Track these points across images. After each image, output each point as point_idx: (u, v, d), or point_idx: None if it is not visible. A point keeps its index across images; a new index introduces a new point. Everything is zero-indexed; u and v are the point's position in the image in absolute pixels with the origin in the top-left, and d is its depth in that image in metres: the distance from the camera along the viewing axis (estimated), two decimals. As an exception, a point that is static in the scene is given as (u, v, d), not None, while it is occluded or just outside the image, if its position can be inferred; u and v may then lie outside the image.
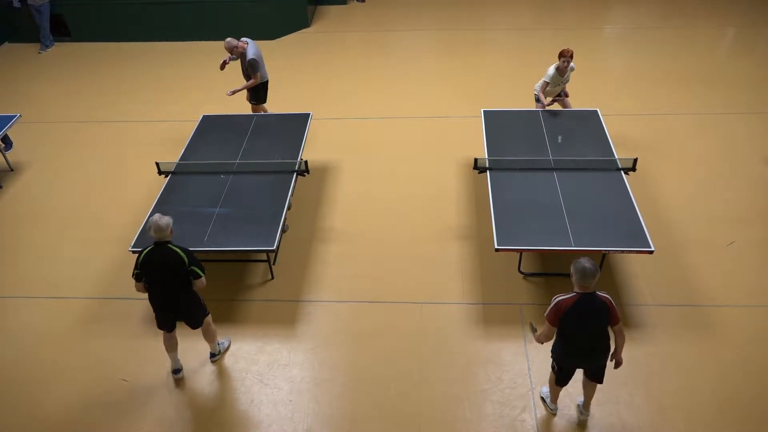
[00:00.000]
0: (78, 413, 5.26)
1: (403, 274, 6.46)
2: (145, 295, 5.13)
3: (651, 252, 5.62)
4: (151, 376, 5.54)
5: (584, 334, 4.40)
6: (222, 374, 5.53)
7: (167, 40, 12.16)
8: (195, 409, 5.25)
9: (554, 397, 5.03)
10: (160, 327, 5.27)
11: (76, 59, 11.66)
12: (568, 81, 7.73)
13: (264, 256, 6.58)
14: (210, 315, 5.38)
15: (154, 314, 5.21)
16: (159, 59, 11.50)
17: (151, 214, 6.31)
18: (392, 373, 5.46)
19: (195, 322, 5.29)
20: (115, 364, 5.66)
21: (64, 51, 12.02)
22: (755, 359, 5.44)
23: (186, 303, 5.13)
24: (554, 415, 5.06)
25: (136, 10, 11.92)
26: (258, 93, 8.24)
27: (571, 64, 7.61)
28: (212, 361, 5.65)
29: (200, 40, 12.09)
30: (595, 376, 4.71)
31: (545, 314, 4.44)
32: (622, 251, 5.66)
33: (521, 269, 6.39)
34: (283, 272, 6.57)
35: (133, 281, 5.02)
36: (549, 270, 6.41)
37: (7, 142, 8.80)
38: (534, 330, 4.72)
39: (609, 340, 4.47)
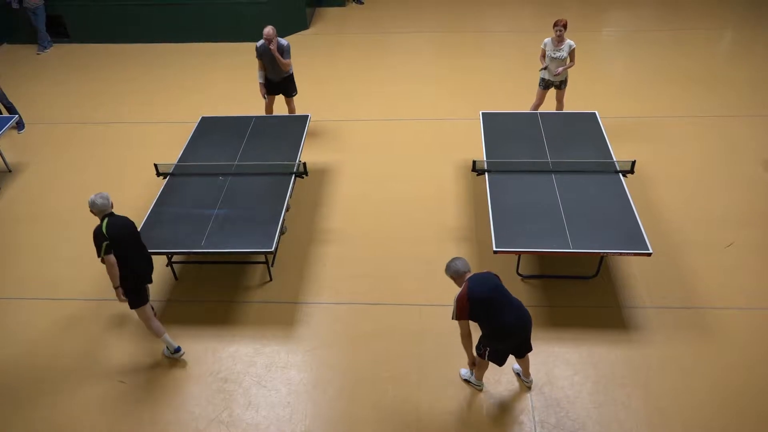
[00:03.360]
0: (74, 414, 5.25)
1: (402, 276, 6.46)
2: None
3: (649, 254, 5.63)
4: (148, 377, 5.54)
5: (498, 305, 4.60)
6: (220, 376, 5.52)
7: (166, 41, 12.16)
8: (192, 411, 5.25)
9: (481, 375, 5.21)
10: (138, 305, 5.31)
11: (74, 60, 11.66)
12: (564, 57, 7.76)
13: (262, 258, 6.58)
14: None
15: (135, 288, 5.24)
16: (158, 61, 11.50)
17: (150, 216, 6.32)
18: (390, 375, 5.46)
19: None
20: (112, 366, 5.66)
21: (62, 52, 12.02)
22: (753, 361, 5.45)
23: (149, 257, 5.42)
24: (481, 390, 5.26)
25: (135, 11, 11.92)
26: (292, 85, 8.53)
27: (569, 41, 7.69)
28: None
29: (199, 41, 12.09)
30: (526, 351, 4.95)
31: (454, 317, 4.63)
32: (621, 253, 5.66)
33: (519, 271, 6.39)
34: (281, 274, 6.57)
35: (106, 259, 4.96)
36: (547, 272, 6.41)
37: (20, 123, 9.35)
38: (472, 362, 4.95)
39: (525, 308, 4.74)
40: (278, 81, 8.38)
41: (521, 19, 12.56)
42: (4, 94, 9.09)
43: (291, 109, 8.69)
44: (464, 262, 4.64)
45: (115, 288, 5.13)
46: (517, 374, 5.35)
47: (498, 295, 4.58)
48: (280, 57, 8.02)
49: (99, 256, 4.96)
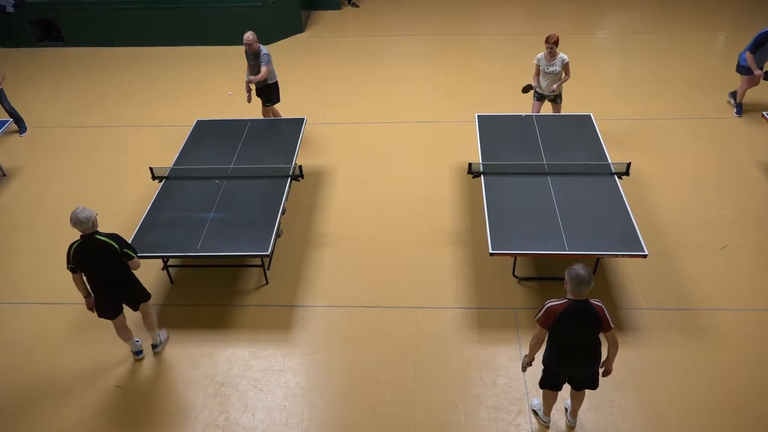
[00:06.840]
0: (71, 420, 5.23)
1: (398, 279, 6.46)
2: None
3: (645, 256, 5.65)
4: (145, 382, 5.52)
5: (573, 342, 4.35)
6: (216, 380, 5.51)
7: (161, 45, 12.15)
8: (188, 415, 5.23)
9: (547, 409, 4.98)
10: (102, 316, 5.38)
11: (69, 64, 11.63)
12: (557, 72, 7.73)
13: (258, 261, 6.57)
14: (150, 300, 5.55)
15: (95, 307, 5.34)
16: (153, 64, 11.49)
17: (146, 219, 6.31)
18: (387, 378, 5.45)
19: (137, 303, 5.46)
20: (108, 371, 5.64)
21: (57, 56, 11.99)
22: (749, 363, 5.46)
23: (132, 285, 5.34)
24: (547, 427, 5.01)
25: (130, 14, 11.91)
26: (270, 93, 8.47)
27: (562, 55, 7.67)
28: (155, 353, 5.76)
29: (194, 44, 12.08)
30: (586, 385, 4.65)
31: (536, 318, 4.35)
32: (616, 255, 5.67)
33: (515, 273, 6.40)
34: (277, 277, 6.56)
35: (71, 274, 5.12)
36: (543, 274, 6.42)
37: (21, 126, 9.35)
38: (527, 363, 4.59)
39: (599, 346, 4.41)
40: (258, 87, 8.37)
41: (516, 22, 12.59)
42: (7, 100, 9.05)
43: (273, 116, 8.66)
44: (589, 278, 4.13)
45: (85, 298, 5.33)
46: (566, 409, 5.08)
47: (584, 330, 4.28)
48: (261, 73, 8.01)
49: (67, 268, 5.12)
